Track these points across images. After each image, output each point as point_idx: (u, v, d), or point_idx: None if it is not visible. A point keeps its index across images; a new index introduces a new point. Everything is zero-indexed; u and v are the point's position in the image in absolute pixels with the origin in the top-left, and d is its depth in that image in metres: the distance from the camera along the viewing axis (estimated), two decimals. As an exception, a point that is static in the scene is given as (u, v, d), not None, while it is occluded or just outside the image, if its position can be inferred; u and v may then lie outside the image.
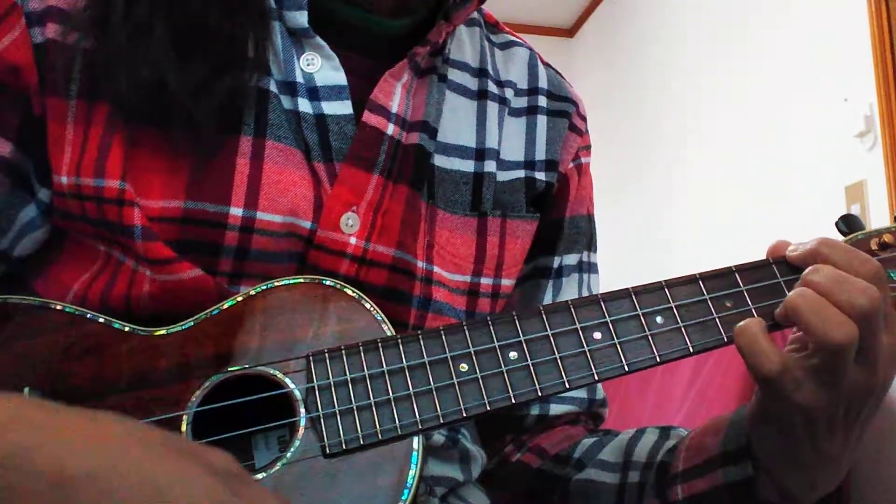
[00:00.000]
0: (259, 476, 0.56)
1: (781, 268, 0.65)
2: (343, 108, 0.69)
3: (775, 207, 2.67)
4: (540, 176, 0.82)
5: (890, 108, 2.47)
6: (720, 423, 0.70)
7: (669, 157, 3.73)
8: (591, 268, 0.90)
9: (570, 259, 0.87)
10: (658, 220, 3.80)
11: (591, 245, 0.90)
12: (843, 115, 2.59)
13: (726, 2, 3.36)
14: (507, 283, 0.79)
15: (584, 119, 0.88)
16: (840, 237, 0.68)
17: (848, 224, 0.68)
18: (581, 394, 0.85)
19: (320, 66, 0.70)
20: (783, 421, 0.61)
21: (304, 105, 0.69)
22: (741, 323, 0.60)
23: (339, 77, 0.70)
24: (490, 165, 0.78)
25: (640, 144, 4.01)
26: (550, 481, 0.81)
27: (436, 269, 0.73)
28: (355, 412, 0.58)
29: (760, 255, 0.67)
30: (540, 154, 0.82)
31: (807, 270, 0.61)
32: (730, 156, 3.26)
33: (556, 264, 0.85)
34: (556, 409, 0.84)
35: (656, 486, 0.72)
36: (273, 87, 0.68)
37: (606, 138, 4.35)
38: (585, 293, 0.88)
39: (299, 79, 0.69)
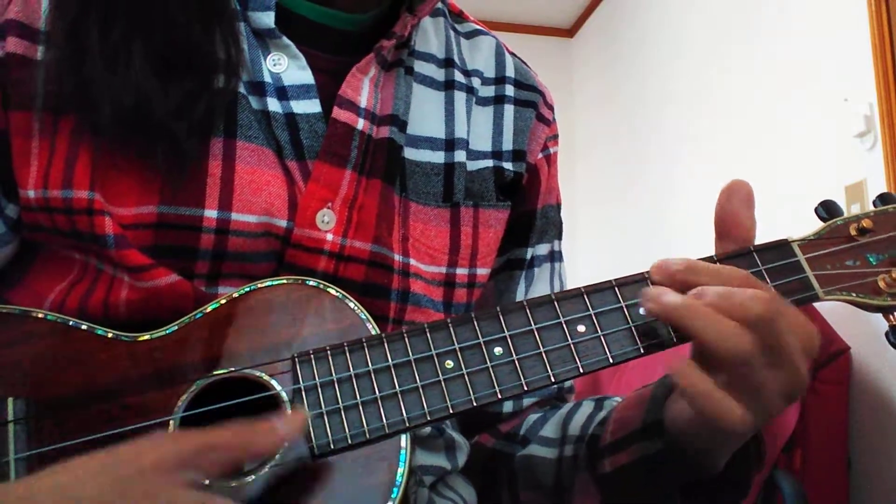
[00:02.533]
0: (247, 479, 0.55)
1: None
2: (312, 106, 0.70)
3: (775, 207, 2.66)
4: (507, 166, 0.82)
5: (890, 108, 2.46)
6: (643, 396, 0.69)
7: (669, 157, 3.72)
8: (561, 256, 0.90)
9: (542, 249, 0.87)
10: (658, 219, 3.78)
11: (559, 233, 0.90)
12: (843, 115, 2.58)
13: (726, 2, 3.35)
14: (482, 272, 0.79)
15: (551, 108, 0.88)
16: (820, 223, 0.67)
17: (827, 210, 0.67)
18: None
19: (287, 66, 0.70)
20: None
21: (274, 104, 0.69)
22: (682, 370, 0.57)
23: (306, 76, 0.70)
24: (460, 155, 0.78)
25: (641, 144, 4.00)
26: (500, 459, 0.82)
27: (412, 261, 0.73)
28: (342, 412, 0.57)
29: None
30: (507, 144, 0.83)
31: (690, 293, 0.58)
32: (730, 155, 3.25)
33: (528, 255, 0.86)
34: (528, 400, 0.85)
35: (587, 458, 0.73)
36: (241, 88, 0.68)
37: (606, 138, 4.34)
38: (556, 281, 0.89)
39: (267, 79, 0.69)
